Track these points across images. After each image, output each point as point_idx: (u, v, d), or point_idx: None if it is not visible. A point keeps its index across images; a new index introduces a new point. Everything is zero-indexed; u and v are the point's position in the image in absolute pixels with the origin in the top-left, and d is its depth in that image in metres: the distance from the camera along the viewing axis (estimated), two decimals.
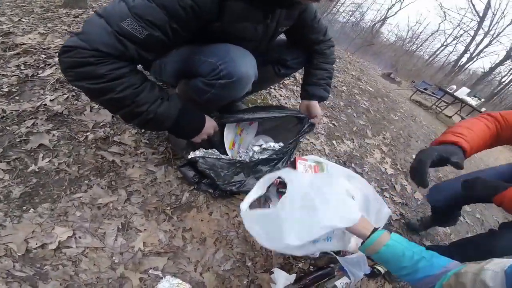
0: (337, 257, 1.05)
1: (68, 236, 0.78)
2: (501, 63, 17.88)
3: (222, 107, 1.12)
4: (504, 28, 18.00)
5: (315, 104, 1.24)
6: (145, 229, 0.89)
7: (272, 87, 2.15)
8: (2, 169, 0.84)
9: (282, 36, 1.24)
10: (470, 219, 2.01)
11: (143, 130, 1.15)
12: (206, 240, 0.96)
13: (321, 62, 1.23)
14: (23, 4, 2.04)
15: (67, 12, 2.27)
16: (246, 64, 0.87)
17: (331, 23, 15.23)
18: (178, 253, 0.89)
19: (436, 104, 6.53)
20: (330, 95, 2.65)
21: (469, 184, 0.92)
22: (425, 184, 0.80)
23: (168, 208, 0.97)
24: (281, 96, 2.12)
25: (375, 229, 0.69)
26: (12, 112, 1.00)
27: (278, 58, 1.24)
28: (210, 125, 0.96)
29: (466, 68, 20.63)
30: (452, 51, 21.92)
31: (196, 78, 0.89)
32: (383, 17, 19.21)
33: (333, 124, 2.20)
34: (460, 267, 0.58)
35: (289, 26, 1.07)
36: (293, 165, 1.31)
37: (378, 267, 1.17)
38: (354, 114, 2.65)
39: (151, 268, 0.82)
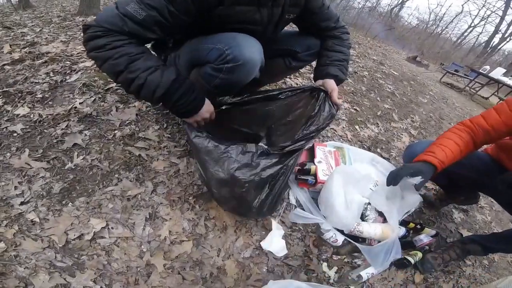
0: (358, 245, 1.03)
1: (102, 227, 0.85)
2: None
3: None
4: None
5: (330, 82, 1.08)
6: (170, 218, 0.94)
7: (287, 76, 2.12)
8: (43, 168, 0.93)
9: (292, 28, 1.22)
10: None
11: (165, 125, 1.21)
12: (227, 228, 0.99)
13: (336, 45, 1.16)
14: (41, 15, 2.18)
15: (83, 20, 2.40)
16: (252, 48, 0.88)
17: (346, 10, 14.54)
18: (200, 241, 0.93)
19: (470, 85, 6.06)
20: (349, 80, 2.59)
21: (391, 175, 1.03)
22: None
23: (191, 197, 1.02)
24: (297, 85, 2.09)
25: None
26: (47, 116, 1.09)
27: (288, 51, 1.20)
28: (207, 108, 0.92)
29: (500, 48, 18.76)
30: (482, 32, 20.02)
31: (205, 65, 0.92)
32: (400, 1, 18.03)
33: (355, 110, 2.13)
34: None
35: (297, 14, 1.04)
36: (312, 152, 1.30)
37: (409, 258, 1.12)
38: (378, 98, 2.55)
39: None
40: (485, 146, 1.19)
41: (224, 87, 0.96)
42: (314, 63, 1.24)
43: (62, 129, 1.06)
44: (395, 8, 18.38)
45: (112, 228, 0.86)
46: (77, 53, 1.53)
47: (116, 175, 0.99)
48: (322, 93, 1.05)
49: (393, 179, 1.00)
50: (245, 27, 0.91)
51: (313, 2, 1.04)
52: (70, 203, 0.88)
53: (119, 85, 0.88)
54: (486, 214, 1.71)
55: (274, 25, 1.00)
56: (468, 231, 1.48)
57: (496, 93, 5.84)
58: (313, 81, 1.20)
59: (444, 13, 20.83)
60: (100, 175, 0.97)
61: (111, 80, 1.33)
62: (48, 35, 1.74)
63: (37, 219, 0.82)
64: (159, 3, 0.72)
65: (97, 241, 0.82)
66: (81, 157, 1.00)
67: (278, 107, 1.13)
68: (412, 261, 1.12)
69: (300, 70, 2.28)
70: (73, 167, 0.96)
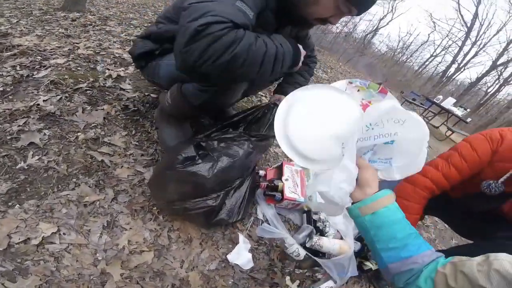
0: (317, 259, 1.08)
1: (52, 232, 0.80)
2: (487, 73, 18.32)
3: (213, 112, 1.15)
4: (490, 39, 18.55)
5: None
6: (130, 228, 0.91)
7: (262, 94, 2.20)
8: None
9: None
10: None
11: (133, 132, 1.18)
12: (192, 241, 0.98)
13: (303, 71, 1.33)
14: (23, 6, 2.06)
15: (65, 16, 2.31)
16: None
17: (325, 34, 15.56)
18: (162, 252, 0.91)
19: (424, 114, 6.68)
20: None
21: None
22: None
23: (155, 208, 0.99)
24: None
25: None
26: (4, 111, 1.02)
27: None
28: (299, 47, 0.92)
29: (454, 78, 21.16)
30: (441, 62, 22.47)
31: (189, 83, 0.92)
32: (375, 28, 19.79)
33: None
34: (449, 258, 0.54)
35: None
36: (280, 170, 1.35)
37: (367, 263, 1.18)
38: None
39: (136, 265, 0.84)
40: None
41: (207, 107, 0.97)
42: None
43: (19, 125, 0.99)
44: (369, 35, 20.00)
45: (64, 234, 0.81)
46: (51, 49, 1.45)
47: (74, 180, 0.94)
48: (275, 107, 1.16)
49: None
50: None
51: (302, 32, 1.17)
52: (18, 205, 0.82)
53: (262, 69, 0.73)
54: (431, 232, 1.88)
55: None
56: None
57: (445, 123, 6.38)
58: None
59: (412, 42, 23.16)
60: (55, 178, 0.92)
61: (82, 80, 1.28)
62: (24, 28, 1.65)
63: None
64: (259, 4, 0.76)
65: (45, 246, 0.77)
66: (37, 157, 0.94)
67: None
68: (372, 268, 1.19)
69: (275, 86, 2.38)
70: (26, 167, 0.90)
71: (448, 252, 1.21)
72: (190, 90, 0.92)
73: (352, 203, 0.62)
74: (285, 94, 1.20)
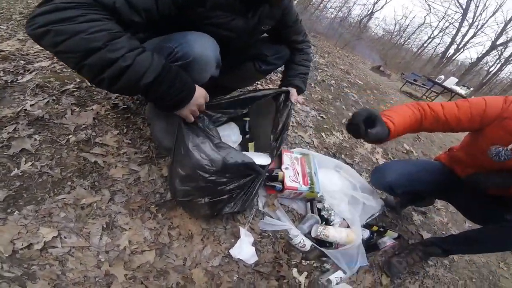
0: (324, 250, 1.06)
1: (53, 236, 0.79)
2: (487, 53, 18.12)
3: None
4: (487, 20, 18.25)
5: (293, 91, 1.24)
6: (130, 228, 0.90)
7: (258, 83, 2.16)
8: None
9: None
10: None
11: (125, 130, 1.15)
12: (193, 237, 0.97)
13: (303, 59, 1.32)
14: (2, 11, 2.01)
15: None
16: (203, 45, 0.84)
17: (319, 20, 15.27)
18: (164, 250, 0.90)
19: (426, 94, 6.60)
20: (317, 88, 2.71)
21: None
22: (361, 131, 0.89)
23: (153, 206, 0.98)
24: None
25: None
26: None
27: (258, 54, 1.25)
28: (201, 93, 0.81)
29: (454, 59, 20.88)
30: (439, 43, 22.15)
31: None
32: (369, 12, 19.39)
33: (322, 117, 2.21)
34: None
35: (272, 27, 1.11)
36: (279, 159, 1.32)
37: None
38: (343, 107, 2.68)
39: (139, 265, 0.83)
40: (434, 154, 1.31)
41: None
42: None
43: (9, 132, 0.97)
44: (364, 19, 19.63)
45: (64, 237, 0.81)
46: (34, 52, 1.42)
47: (69, 183, 0.92)
48: (282, 94, 1.17)
49: (353, 131, 0.93)
50: (220, 32, 0.92)
51: (288, 16, 1.13)
52: (17, 212, 0.81)
53: (84, 71, 0.61)
54: (443, 215, 1.86)
55: (249, 34, 1.04)
56: (427, 232, 1.59)
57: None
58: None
59: (408, 25, 22.71)
60: (50, 183, 0.90)
61: (68, 81, 1.25)
62: (5, 32, 1.59)
63: None
64: None
65: (48, 250, 0.77)
66: (30, 163, 0.92)
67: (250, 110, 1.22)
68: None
69: (271, 77, 2.34)
70: (20, 174, 0.89)
71: (461, 238, 1.20)
72: None
73: None
74: (292, 85, 1.25)
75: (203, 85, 0.86)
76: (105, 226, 0.87)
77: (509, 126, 0.93)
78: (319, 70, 3.45)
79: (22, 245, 0.75)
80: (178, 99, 0.75)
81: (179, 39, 0.83)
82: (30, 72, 1.24)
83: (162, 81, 0.68)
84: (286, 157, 1.33)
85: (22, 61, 1.30)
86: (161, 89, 0.69)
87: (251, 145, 1.28)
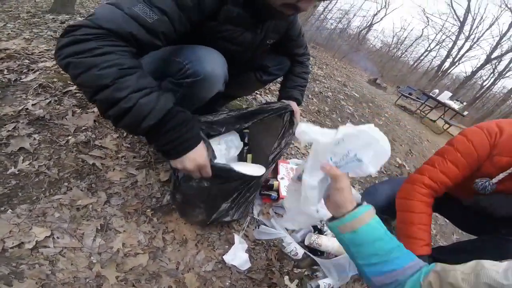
0: (317, 259, 1.07)
1: (46, 236, 0.79)
2: (481, 67, 18.54)
3: (198, 110, 1.12)
4: (483, 33, 18.87)
5: (293, 104, 1.26)
6: (124, 230, 0.90)
7: (257, 92, 2.19)
8: None
9: None
10: None
11: (125, 134, 1.17)
12: (188, 242, 0.97)
13: (302, 72, 1.36)
14: (10, 9, 2.04)
15: (53, 18, 2.28)
16: (213, 63, 0.85)
17: (319, 30, 15.55)
18: (157, 254, 0.90)
19: (420, 108, 6.72)
20: (314, 99, 2.76)
21: None
22: None
23: (149, 210, 0.98)
24: (266, 101, 2.17)
25: (359, 205, 0.59)
26: None
27: (259, 65, 1.29)
28: (202, 153, 0.74)
29: (449, 72, 21.40)
30: (436, 56, 22.83)
31: (166, 79, 0.89)
32: (369, 24, 19.88)
33: None
34: (431, 265, 0.54)
35: (276, 40, 1.14)
36: (275, 169, 1.35)
37: None
38: (339, 119, 2.73)
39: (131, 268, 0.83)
40: None
41: (186, 102, 0.95)
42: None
43: (9, 131, 0.98)
44: (363, 31, 20.07)
45: (57, 237, 0.81)
46: (39, 52, 1.44)
47: (66, 184, 0.93)
48: (288, 113, 1.14)
49: None
50: (229, 46, 0.94)
51: (292, 30, 1.17)
52: (10, 210, 0.81)
53: (97, 105, 0.62)
54: (432, 227, 1.88)
55: (254, 48, 1.06)
56: None
57: (442, 116, 6.46)
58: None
59: (406, 37, 23.41)
60: (47, 183, 0.91)
61: (71, 83, 1.26)
62: (12, 31, 1.62)
63: None
64: (171, 9, 0.66)
65: (39, 250, 0.77)
66: (27, 162, 0.93)
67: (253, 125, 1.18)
68: None
69: (270, 87, 2.38)
70: (17, 173, 0.89)
71: (449, 249, 1.20)
72: (166, 87, 0.89)
73: (331, 219, 0.61)
74: (291, 98, 1.27)
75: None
76: (99, 228, 0.87)
77: (499, 163, 0.95)
78: (317, 82, 3.52)
79: (13, 243, 0.75)
80: (175, 149, 0.71)
81: (189, 55, 0.83)
82: (34, 72, 1.25)
83: (160, 129, 0.66)
84: (282, 167, 1.36)
85: (26, 60, 1.32)
86: (159, 136, 0.67)
87: (249, 156, 1.29)
